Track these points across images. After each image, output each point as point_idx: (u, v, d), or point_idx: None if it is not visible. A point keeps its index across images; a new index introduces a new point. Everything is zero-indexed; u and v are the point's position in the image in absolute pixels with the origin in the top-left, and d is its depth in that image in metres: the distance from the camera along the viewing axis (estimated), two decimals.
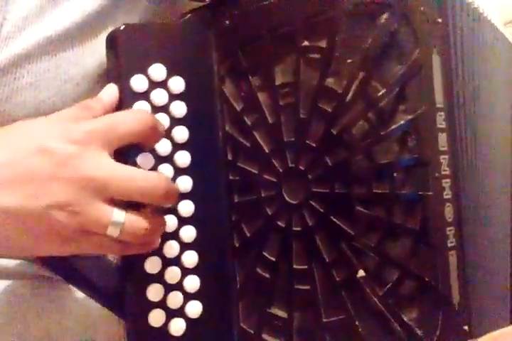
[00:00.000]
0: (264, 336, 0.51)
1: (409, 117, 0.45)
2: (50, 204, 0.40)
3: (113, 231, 0.42)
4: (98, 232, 0.42)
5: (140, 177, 0.44)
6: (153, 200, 0.44)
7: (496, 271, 0.54)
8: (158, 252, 0.49)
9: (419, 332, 0.45)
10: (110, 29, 0.50)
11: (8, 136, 0.43)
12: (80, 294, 0.52)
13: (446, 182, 0.46)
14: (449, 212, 0.46)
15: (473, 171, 0.50)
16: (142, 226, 0.43)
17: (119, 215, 0.42)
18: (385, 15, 0.45)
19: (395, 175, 0.45)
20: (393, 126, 0.45)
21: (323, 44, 0.47)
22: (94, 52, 0.51)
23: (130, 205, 0.44)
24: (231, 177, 0.53)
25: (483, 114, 0.52)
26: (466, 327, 0.46)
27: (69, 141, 0.42)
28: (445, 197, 0.46)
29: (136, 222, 0.43)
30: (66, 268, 0.49)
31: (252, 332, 0.52)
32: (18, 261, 0.51)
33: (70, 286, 0.51)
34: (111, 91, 0.47)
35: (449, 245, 0.46)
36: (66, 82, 0.50)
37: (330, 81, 0.47)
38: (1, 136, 0.43)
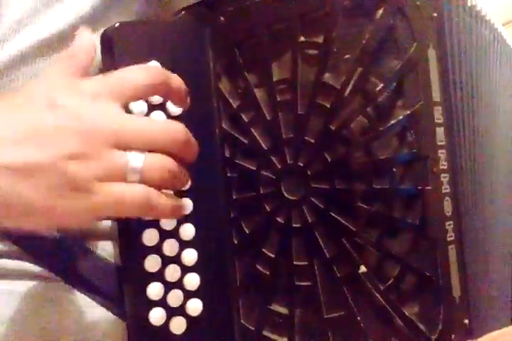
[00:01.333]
0: (265, 333, 0.51)
1: (408, 112, 0.45)
2: (60, 155, 0.38)
3: (133, 176, 0.40)
4: (116, 179, 0.40)
5: (156, 125, 0.42)
6: (172, 148, 0.42)
7: (497, 265, 0.54)
8: (158, 250, 0.49)
9: (421, 326, 0.45)
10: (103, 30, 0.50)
11: (19, 96, 0.41)
12: (78, 294, 0.51)
13: (445, 177, 0.47)
14: (447, 206, 0.46)
15: (472, 165, 0.51)
16: (165, 166, 0.41)
17: (136, 158, 0.40)
18: (381, 11, 0.45)
19: (394, 170, 0.45)
20: (392, 122, 0.45)
21: (320, 40, 0.47)
22: None
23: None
24: (229, 174, 0.53)
25: (481, 108, 0.52)
26: (466, 321, 0.47)
27: (78, 93, 0.41)
28: (444, 191, 0.46)
29: (156, 162, 0.41)
30: (65, 269, 0.49)
31: (253, 328, 0.52)
32: (16, 261, 0.51)
33: (69, 286, 0.51)
34: (86, 35, 0.45)
35: (449, 239, 0.46)
36: None
37: (327, 76, 0.47)
38: (14, 97, 0.42)
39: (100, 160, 0.39)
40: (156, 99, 0.50)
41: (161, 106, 0.50)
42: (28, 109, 0.40)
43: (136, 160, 0.40)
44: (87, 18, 0.51)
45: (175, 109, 0.50)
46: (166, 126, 0.42)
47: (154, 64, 0.50)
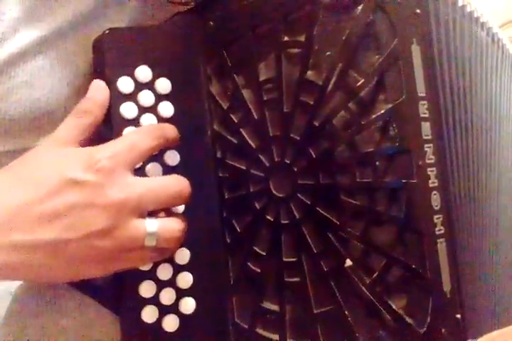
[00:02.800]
0: (259, 330, 0.51)
1: (390, 106, 0.45)
2: (88, 233, 0.42)
3: (150, 242, 0.44)
4: (136, 247, 0.44)
5: (167, 184, 0.46)
6: (182, 202, 0.47)
7: (490, 261, 0.53)
8: None
9: (408, 319, 0.44)
10: (102, 28, 0.51)
11: (24, 169, 0.44)
12: (76, 293, 0.52)
13: (432, 171, 0.47)
14: (435, 200, 0.46)
15: (462, 160, 0.50)
16: (176, 229, 0.46)
17: (151, 224, 0.44)
18: (360, 7, 0.46)
19: (377, 163, 0.45)
20: (374, 115, 0.45)
21: (302, 38, 0.48)
22: (87, 51, 0.52)
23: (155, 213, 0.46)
24: (221, 175, 0.54)
25: (476, 107, 0.52)
26: (458, 316, 0.46)
27: (94, 169, 0.43)
28: (431, 185, 0.46)
29: (168, 226, 0.46)
30: None
31: (246, 327, 0.52)
32: None
33: (67, 285, 0.52)
34: (100, 87, 0.49)
35: (438, 233, 0.46)
36: (60, 80, 0.51)
37: (310, 74, 0.48)
38: (17, 170, 0.45)
39: (122, 233, 0.43)
40: (147, 102, 0.51)
41: (152, 109, 0.51)
42: (46, 187, 0.42)
43: (151, 225, 0.44)
44: (85, 15, 0.53)
45: (165, 112, 0.52)
46: (174, 181, 0.47)
47: (144, 69, 0.51)
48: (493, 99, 0.59)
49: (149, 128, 0.49)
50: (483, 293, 0.51)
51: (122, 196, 0.43)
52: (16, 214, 0.41)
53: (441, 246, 0.46)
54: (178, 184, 0.47)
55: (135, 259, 0.45)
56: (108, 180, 0.43)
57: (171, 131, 0.49)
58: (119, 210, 0.42)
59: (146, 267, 0.49)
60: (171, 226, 0.46)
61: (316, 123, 0.47)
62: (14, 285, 0.52)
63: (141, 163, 0.49)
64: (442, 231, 0.46)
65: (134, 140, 0.46)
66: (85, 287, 0.51)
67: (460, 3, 0.54)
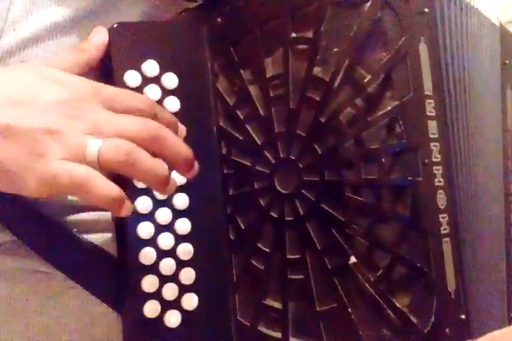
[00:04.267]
0: (261, 328, 0.51)
1: (396, 103, 0.45)
2: (41, 127, 0.41)
3: (91, 159, 0.41)
4: (77, 161, 0.41)
5: (131, 119, 0.43)
6: (140, 140, 0.42)
7: (493, 261, 0.53)
8: (153, 244, 0.49)
9: (412, 318, 0.44)
10: (114, 19, 0.51)
11: (12, 71, 0.44)
12: (79, 290, 0.52)
13: (438, 170, 0.46)
14: (441, 199, 0.46)
15: (467, 159, 0.50)
16: (121, 149, 0.41)
17: (94, 142, 0.41)
18: (368, 4, 0.46)
19: (383, 160, 0.45)
20: (380, 112, 0.45)
21: (310, 35, 0.48)
22: None
23: None
24: (225, 171, 0.53)
25: (474, 102, 0.52)
26: (463, 316, 0.46)
27: (79, 80, 0.44)
28: (437, 184, 0.46)
29: (112, 145, 0.41)
30: (65, 262, 0.50)
31: (249, 324, 0.51)
32: (16, 257, 0.52)
33: (69, 282, 0.51)
34: (100, 32, 0.49)
35: (443, 232, 0.46)
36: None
37: (317, 70, 0.47)
38: (4, 71, 0.45)
39: (68, 142, 0.41)
40: (154, 97, 0.51)
41: (158, 104, 0.51)
42: (28, 76, 0.43)
43: (93, 144, 0.41)
44: (99, 4, 0.53)
45: (171, 107, 0.52)
46: (140, 121, 0.43)
47: (151, 63, 0.51)
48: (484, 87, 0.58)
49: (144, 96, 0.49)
50: (488, 293, 0.50)
51: (85, 111, 0.42)
52: None
53: (447, 245, 0.46)
54: (143, 122, 0.43)
55: (62, 170, 0.40)
56: (89, 95, 0.43)
57: (165, 113, 0.46)
58: (74, 121, 0.41)
59: (149, 261, 0.49)
60: (117, 145, 0.41)
61: (323, 120, 0.47)
62: (17, 281, 0.51)
63: None
64: (447, 231, 0.46)
65: (124, 92, 0.45)
66: (87, 283, 0.51)
67: None
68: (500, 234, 0.55)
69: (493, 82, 0.60)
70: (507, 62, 0.63)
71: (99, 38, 0.49)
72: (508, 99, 0.63)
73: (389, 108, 0.45)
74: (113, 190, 0.41)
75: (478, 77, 0.54)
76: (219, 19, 0.54)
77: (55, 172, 0.40)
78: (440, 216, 0.46)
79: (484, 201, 0.53)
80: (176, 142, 0.44)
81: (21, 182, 0.41)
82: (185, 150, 0.44)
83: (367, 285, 0.45)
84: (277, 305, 0.50)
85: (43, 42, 0.50)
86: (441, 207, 0.46)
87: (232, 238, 0.53)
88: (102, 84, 0.44)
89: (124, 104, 0.43)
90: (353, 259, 0.45)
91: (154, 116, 0.44)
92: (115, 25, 0.51)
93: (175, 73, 0.52)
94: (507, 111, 0.63)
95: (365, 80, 0.45)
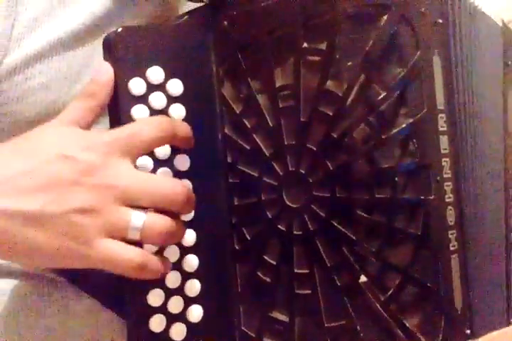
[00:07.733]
0: (266, 340, 0.51)
1: (411, 120, 0.45)
2: (71, 209, 0.41)
3: (134, 234, 0.42)
4: (118, 235, 0.42)
5: (163, 185, 0.44)
6: (173, 206, 0.44)
7: (496, 275, 0.53)
8: None
9: (421, 338, 0.44)
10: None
11: (26, 143, 0.44)
12: (83, 295, 0.52)
13: (448, 186, 0.46)
14: (450, 215, 0.46)
15: (475, 173, 0.50)
16: (164, 227, 0.43)
17: (138, 217, 0.42)
18: (385, 17, 0.44)
19: (396, 179, 0.44)
20: (394, 130, 0.45)
21: (323, 46, 0.46)
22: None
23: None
24: (231, 180, 0.52)
25: (481, 112, 0.52)
26: (468, 331, 0.46)
27: (90, 149, 0.43)
28: (447, 200, 0.46)
29: (156, 223, 0.43)
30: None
31: (253, 335, 0.51)
32: None
33: (76, 289, 0.51)
34: (105, 69, 0.47)
35: (452, 248, 0.46)
36: (76, 82, 0.51)
37: (330, 84, 0.46)
38: (19, 143, 0.44)
39: (106, 216, 0.41)
40: (159, 105, 0.49)
41: (163, 112, 0.49)
42: (39, 159, 0.42)
43: (137, 219, 0.42)
44: (102, 18, 0.52)
45: (177, 114, 0.50)
46: (172, 186, 0.44)
47: (156, 69, 0.49)
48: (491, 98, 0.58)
49: (157, 119, 0.47)
50: (488, 302, 0.51)
51: (110, 180, 0.42)
52: (6, 181, 0.41)
53: (455, 261, 0.46)
54: (173, 187, 0.44)
55: (110, 255, 0.42)
56: (101, 162, 0.42)
57: (182, 127, 0.47)
58: (104, 194, 0.42)
59: None
60: (161, 223, 0.43)
61: (335, 135, 0.46)
62: (21, 285, 0.51)
63: (151, 167, 0.48)
64: (456, 247, 0.46)
65: (137, 128, 0.45)
66: (92, 289, 0.51)
67: (469, 4, 0.52)
68: (502, 247, 0.55)
69: (496, 85, 0.59)
70: (509, 63, 0.63)
71: (103, 75, 0.47)
72: (509, 101, 0.63)
73: (403, 125, 0.45)
74: (161, 266, 0.44)
75: (484, 82, 0.53)
76: (225, 22, 0.52)
77: (98, 257, 0.42)
78: (449, 232, 0.46)
79: (489, 212, 0.53)
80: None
81: (57, 262, 0.44)
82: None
83: (377, 304, 0.45)
84: (283, 317, 0.50)
85: (47, 58, 0.50)
86: (451, 224, 0.46)
87: (237, 248, 0.52)
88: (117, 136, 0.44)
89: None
90: (363, 278, 0.45)
91: None
92: (119, 30, 0.48)
93: (180, 79, 0.51)
94: (508, 112, 0.63)
95: (380, 97, 0.44)
